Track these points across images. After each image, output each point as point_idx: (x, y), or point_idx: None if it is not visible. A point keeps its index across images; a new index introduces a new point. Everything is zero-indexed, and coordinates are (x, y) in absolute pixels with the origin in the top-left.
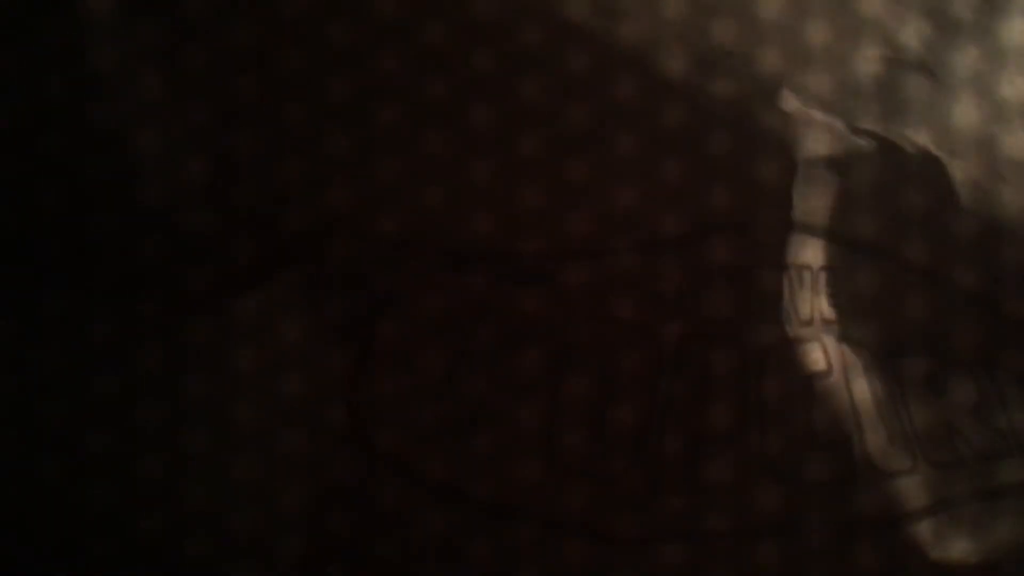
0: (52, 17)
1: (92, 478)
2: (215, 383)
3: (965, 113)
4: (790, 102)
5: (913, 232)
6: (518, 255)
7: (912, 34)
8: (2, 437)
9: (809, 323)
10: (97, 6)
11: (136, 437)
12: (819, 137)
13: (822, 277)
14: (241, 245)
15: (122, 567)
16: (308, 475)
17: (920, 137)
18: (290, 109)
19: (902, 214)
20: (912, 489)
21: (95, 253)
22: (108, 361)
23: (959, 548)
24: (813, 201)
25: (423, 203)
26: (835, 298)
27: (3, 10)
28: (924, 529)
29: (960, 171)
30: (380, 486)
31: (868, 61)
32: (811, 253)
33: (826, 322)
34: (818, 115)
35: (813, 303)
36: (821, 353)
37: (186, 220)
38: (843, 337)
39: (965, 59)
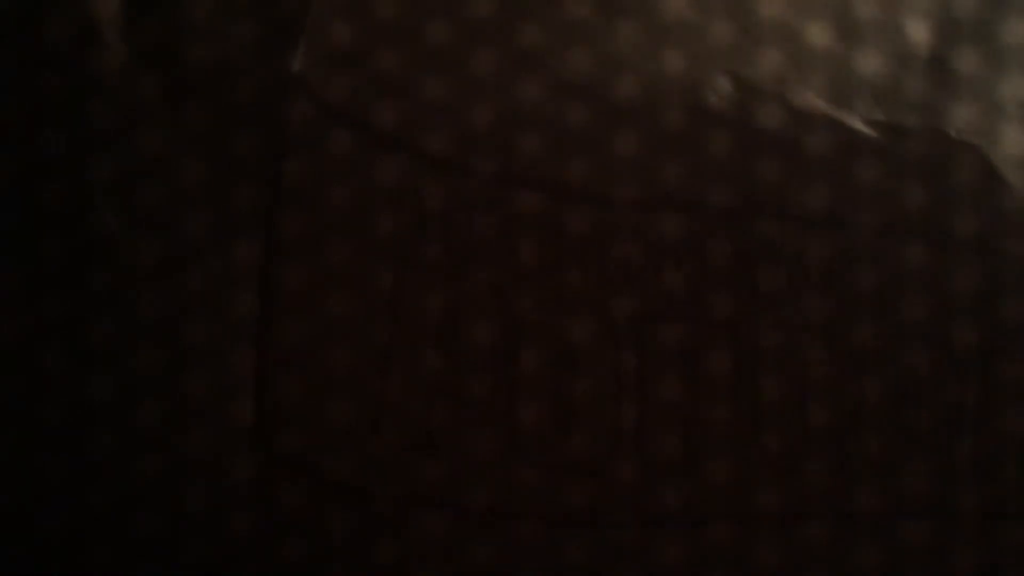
0: (52, 17)
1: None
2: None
3: (965, 113)
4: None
5: (915, 229)
6: (518, 256)
7: (913, 35)
8: (2, 437)
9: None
10: (101, 7)
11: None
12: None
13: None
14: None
15: (122, 567)
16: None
17: (920, 137)
18: (291, 110)
19: (903, 210)
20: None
21: (95, 251)
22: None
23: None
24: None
25: (423, 202)
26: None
27: (3, 10)
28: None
29: (959, 170)
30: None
31: (869, 62)
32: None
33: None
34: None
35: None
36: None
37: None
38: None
39: (965, 60)
